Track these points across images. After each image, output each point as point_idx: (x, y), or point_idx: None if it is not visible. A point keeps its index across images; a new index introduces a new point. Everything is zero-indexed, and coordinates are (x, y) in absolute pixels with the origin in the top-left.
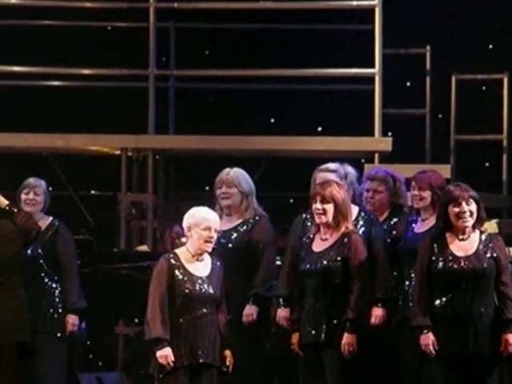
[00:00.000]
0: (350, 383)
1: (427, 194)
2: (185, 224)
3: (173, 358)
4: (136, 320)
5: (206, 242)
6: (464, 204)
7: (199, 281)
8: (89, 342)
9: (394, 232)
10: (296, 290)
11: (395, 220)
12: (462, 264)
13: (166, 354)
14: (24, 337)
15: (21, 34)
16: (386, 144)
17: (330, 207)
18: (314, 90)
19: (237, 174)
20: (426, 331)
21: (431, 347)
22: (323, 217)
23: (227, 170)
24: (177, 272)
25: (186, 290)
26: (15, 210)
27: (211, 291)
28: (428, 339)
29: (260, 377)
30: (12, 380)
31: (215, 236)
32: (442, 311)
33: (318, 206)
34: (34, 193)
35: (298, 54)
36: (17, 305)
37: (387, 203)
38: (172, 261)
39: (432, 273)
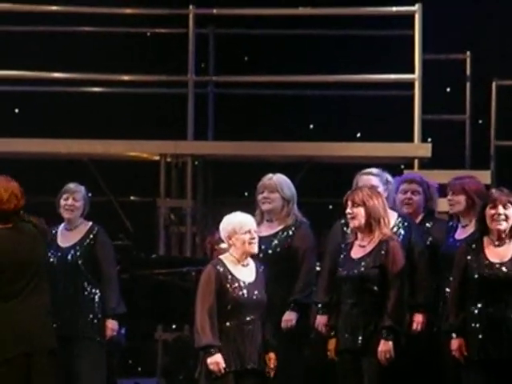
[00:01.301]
0: None
1: (461, 198)
2: (223, 234)
3: (224, 365)
4: (175, 325)
5: (250, 244)
6: (500, 207)
7: (246, 286)
8: (128, 348)
9: (430, 238)
10: (334, 296)
11: (429, 225)
12: (497, 270)
13: (217, 361)
14: (52, 344)
15: (61, 40)
16: (425, 150)
17: (360, 211)
18: (353, 95)
19: (279, 179)
20: (455, 336)
21: (460, 352)
22: (355, 221)
23: (270, 175)
24: (224, 279)
25: (235, 296)
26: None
27: (258, 296)
28: (456, 344)
29: (299, 383)
30: None
31: (256, 235)
32: (476, 317)
33: (348, 210)
34: (73, 198)
35: (337, 59)
36: (44, 311)
37: (423, 206)
38: (219, 267)
39: (467, 279)
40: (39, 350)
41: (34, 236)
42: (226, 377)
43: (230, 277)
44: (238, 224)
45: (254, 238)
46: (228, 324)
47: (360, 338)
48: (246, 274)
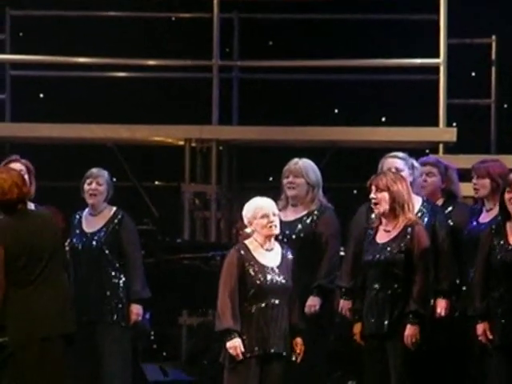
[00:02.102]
0: (413, 374)
1: (486, 182)
2: (245, 220)
3: (242, 349)
4: (200, 310)
5: (269, 227)
6: None
7: (270, 271)
8: (153, 333)
9: (451, 222)
10: (358, 281)
11: (450, 209)
12: None
13: (235, 345)
14: (69, 329)
15: (86, 25)
16: (450, 134)
17: (384, 196)
18: (378, 80)
19: (305, 164)
20: (480, 321)
21: (485, 337)
22: (379, 206)
23: (295, 159)
24: (247, 263)
25: (258, 281)
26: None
27: (283, 281)
28: (481, 329)
29: (324, 367)
30: (60, 373)
31: (275, 219)
32: (498, 302)
33: (372, 195)
34: (97, 183)
35: (362, 43)
36: (61, 296)
37: (439, 188)
38: (242, 252)
39: (490, 263)
40: (54, 336)
41: (44, 222)
42: (249, 361)
43: (252, 261)
44: (256, 209)
45: (272, 222)
46: (251, 308)
47: (386, 322)
48: (270, 258)
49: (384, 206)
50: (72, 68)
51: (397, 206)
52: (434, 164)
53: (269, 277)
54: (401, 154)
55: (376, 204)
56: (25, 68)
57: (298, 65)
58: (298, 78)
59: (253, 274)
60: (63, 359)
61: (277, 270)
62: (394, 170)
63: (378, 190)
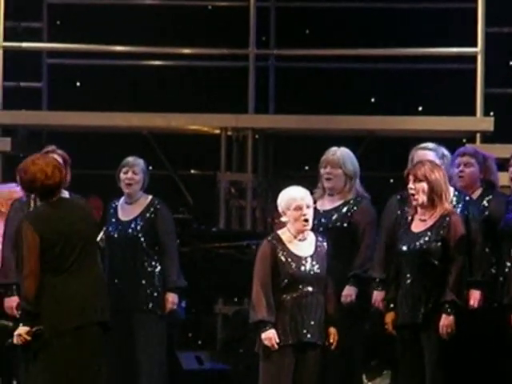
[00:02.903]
0: (448, 364)
1: None
2: (280, 209)
3: (277, 340)
4: (235, 299)
5: (303, 221)
6: None
7: (303, 261)
8: (188, 321)
9: (488, 212)
10: (391, 270)
11: (488, 198)
12: None
13: (270, 336)
14: (104, 317)
15: (122, 13)
16: (487, 124)
17: (423, 186)
18: (415, 69)
19: (343, 154)
20: None
21: None
22: (417, 196)
23: (334, 149)
24: (280, 253)
25: (290, 271)
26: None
27: (316, 270)
28: None
29: (359, 356)
30: (96, 361)
31: (309, 211)
32: None
33: (411, 185)
34: (133, 172)
35: (399, 32)
36: (96, 284)
37: (478, 179)
38: (274, 242)
39: None
40: (89, 324)
41: (79, 210)
42: (284, 351)
43: (285, 251)
44: (289, 200)
45: (305, 215)
46: (285, 298)
47: (421, 312)
48: (303, 247)
49: (422, 196)
50: (108, 56)
51: (435, 196)
52: (472, 154)
53: (302, 266)
54: (431, 145)
55: (414, 194)
56: (61, 56)
57: (334, 53)
58: (334, 66)
59: (286, 264)
60: (99, 347)
61: (310, 260)
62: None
63: (417, 180)
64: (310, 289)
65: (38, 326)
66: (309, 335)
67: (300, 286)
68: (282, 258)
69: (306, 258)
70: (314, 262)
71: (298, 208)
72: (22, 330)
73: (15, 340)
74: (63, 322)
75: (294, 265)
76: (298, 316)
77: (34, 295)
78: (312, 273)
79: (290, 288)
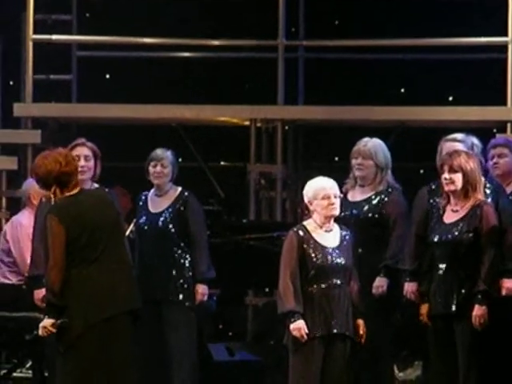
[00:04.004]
0: (481, 354)
1: None
2: (306, 199)
3: (306, 331)
4: (265, 290)
5: (330, 209)
6: None
7: (329, 251)
8: (218, 313)
9: None
10: (424, 262)
11: None
12: None
13: (299, 327)
14: (135, 305)
15: (151, 5)
16: None
17: (458, 177)
18: (445, 59)
19: (375, 145)
20: None
21: None
22: (452, 186)
23: (365, 139)
24: (306, 244)
25: (318, 262)
26: None
27: (342, 261)
28: None
29: (389, 348)
30: (128, 351)
31: (336, 201)
32: None
33: (446, 175)
34: (162, 165)
35: (428, 23)
36: (125, 272)
37: None
38: (301, 233)
39: None
40: (120, 313)
41: (101, 200)
42: (313, 342)
43: (311, 242)
44: (316, 189)
45: (333, 203)
46: (312, 289)
47: (453, 303)
48: (329, 239)
49: (457, 187)
50: (138, 48)
51: (469, 187)
52: (505, 144)
53: (329, 257)
54: (459, 136)
55: (449, 184)
56: (91, 49)
57: (363, 44)
58: (363, 57)
59: (313, 255)
60: (130, 336)
61: (336, 251)
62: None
63: (452, 170)
64: (337, 280)
65: (64, 319)
66: (337, 327)
67: (327, 278)
68: (309, 249)
69: (331, 249)
70: (339, 254)
71: (327, 197)
72: (47, 322)
73: (40, 332)
74: (94, 313)
75: (320, 256)
76: (327, 308)
77: (59, 287)
78: (338, 264)
79: (317, 279)
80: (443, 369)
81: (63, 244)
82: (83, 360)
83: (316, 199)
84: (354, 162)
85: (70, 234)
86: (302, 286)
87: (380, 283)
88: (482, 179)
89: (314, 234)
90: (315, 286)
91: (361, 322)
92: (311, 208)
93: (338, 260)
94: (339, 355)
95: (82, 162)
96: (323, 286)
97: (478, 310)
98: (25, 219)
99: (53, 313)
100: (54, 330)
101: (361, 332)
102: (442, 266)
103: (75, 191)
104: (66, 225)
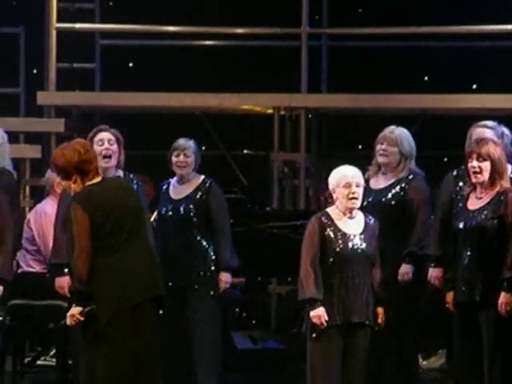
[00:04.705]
0: (506, 342)
1: None
2: (330, 187)
3: (326, 318)
4: (289, 278)
5: (351, 199)
6: None
7: (351, 239)
8: (242, 301)
9: None
10: (450, 249)
11: None
12: None
13: (319, 314)
14: (160, 291)
15: None
16: None
17: (486, 165)
18: (468, 46)
19: (401, 133)
20: None
21: None
22: (479, 175)
23: (392, 127)
24: (328, 231)
25: (338, 249)
26: None
27: (364, 249)
28: None
29: (413, 336)
30: (153, 338)
31: (359, 190)
32: None
33: (474, 163)
34: (184, 155)
35: (452, 10)
36: (149, 259)
37: None
38: (323, 219)
39: None
40: (145, 300)
41: (123, 188)
42: (332, 330)
43: (333, 229)
44: (340, 177)
45: (354, 193)
46: (333, 276)
47: (478, 290)
48: (351, 226)
49: (485, 175)
50: (161, 37)
51: (496, 175)
52: None
53: (350, 244)
54: (490, 123)
55: (476, 172)
56: (114, 37)
57: (387, 32)
58: (387, 45)
59: (333, 241)
60: (155, 324)
61: (358, 238)
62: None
63: (480, 158)
64: (358, 268)
65: (91, 306)
66: (357, 315)
67: (347, 265)
68: (331, 235)
69: (353, 235)
70: (361, 241)
71: (348, 185)
72: (75, 310)
73: (68, 321)
74: (121, 301)
75: (341, 242)
76: (346, 296)
77: (86, 275)
78: (359, 251)
79: (337, 267)
80: (468, 357)
81: (88, 232)
82: (110, 348)
83: (339, 187)
84: (378, 147)
85: (94, 222)
86: (322, 274)
87: (405, 270)
88: (509, 166)
89: (336, 221)
90: (334, 274)
91: (380, 310)
92: (334, 196)
93: (360, 247)
94: (359, 344)
95: (105, 145)
96: (342, 273)
97: (503, 298)
98: (49, 207)
99: (80, 301)
100: (81, 318)
101: (379, 320)
102: (467, 253)
103: (97, 180)
104: (90, 213)
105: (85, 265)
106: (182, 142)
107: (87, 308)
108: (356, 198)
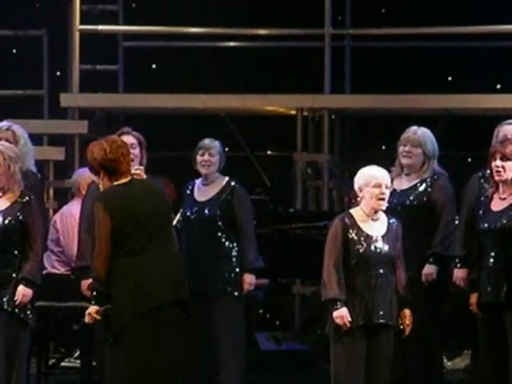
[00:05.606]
0: None
1: None
2: (356, 185)
3: (350, 319)
4: (313, 280)
5: (379, 199)
6: None
7: (374, 240)
8: (266, 302)
9: None
10: (474, 250)
11: None
12: None
13: (342, 315)
14: (183, 295)
15: None
16: None
17: (510, 165)
18: (492, 46)
19: (424, 134)
20: None
21: None
22: (503, 174)
23: (414, 128)
24: (351, 232)
25: (361, 250)
26: None
27: (387, 250)
28: None
29: (437, 337)
30: (176, 341)
31: (387, 192)
32: None
33: (497, 163)
34: (209, 154)
35: (475, 10)
36: (172, 262)
37: None
38: (346, 220)
39: None
40: (167, 303)
41: (147, 189)
42: (355, 332)
43: (357, 230)
44: (369, 177)
45: (383, 194)
46: (355, 278)
47: (503, 291)
48: (374, 227)
49: (508, 174)
50: (184, 38)
51: None
52: None
53: (373, 246)
54: None
55: (499, 172)
56: (137, 39)
57: (410, 32)
58: (410, 45)
59: (356, 242)
60: (178, 326)
61: (381, 240)
62: (510, 137)
63: (504, 158)
64: (381, 269)
65: (107, 305)
66: (380, 316)
67: (370, 267)
68: (354, 237)
69: (377, 237)
70: (384, 242)
71: (378, 186)
72: (92, 309)
73: (86, 319)
74: (142, 303)
75: (364, 244)
76: (368, 297)
77: (104, 275)
78: (382, 253)
79: (360, 268)
80: (493, 358)
81: (109, 232)
82: (131, 349)
83: (367, 186)
84: (401, 149)
85: (115, 223)
86: (344, 275)
87: (429, 271)
88: None
89: (359, 222)
90: (358, 275)
91: (407, 312)
92: (360, 195)
93: (383, 249)
94: (383, 346)
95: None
96: (365, 274)
97: None
98: (75, 209)
99: (98, 300)
100: (98, 317)
101: (407, 322)
102: (491, 254)
103: (124, 180)
104: (111, 213)
105: (103, 264)
106: (207, 141)
107: (103, 307)
108: (384, 200)
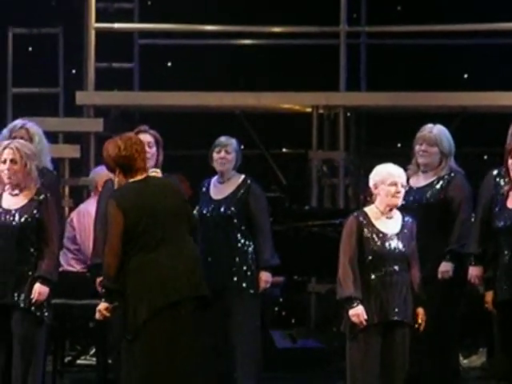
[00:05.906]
0: None
1: None
2: (371, 182)
3: (365, 317)
4: (328, 277)
5: (394, 197)
6: None
7: (389, 238)
8: (282, 300)
9: None
10: (490, 248)
11: None
12: None
13: (358, 313)
14: (201, 291)
15: None
16: None
17: None
18: (508, 43)
19: (440, 132)
20: None
21: None
22: None
23: (429, 126)
24: (366, 230)
25: (376, 248)
26: None
27: (402, 248)
28: None
29: (454, 333)
30: (193, 336)
31: (402, 190)
32: None
33: None
34: (226, 151)
35: (490, 7)
36: (189, 259)
37: None
38: (361, 219)
39: None
40: (184, 300)
41: (169, 187)
42: (370, 330)
43: (371, 228)
44: (385, 174)
45: (399, 192)
46: (370, 275)
47: None
48: (389, 225)
49: None
50: (199, 36)
51: None
52: None
53: (387, 244)
54: None
55: None
56: (153, 37)
57: (426, 30)
58: (426, 42)
59: (371, 240)
60: (197, 322)
61: (396, 237)
62: None
63: None
64: (395, 267)
65: (116, 303)
66: (395, 314)
67: (384, 264)
68: (367, 235)
69: (391, 235)
70: (399, 240)
71: (394, 184)
72: (102, 306)
73: (97, 315)
74: (158, 299)
75: (378, 242)
76: (383, 295)
77: (114, 272)
78: (396, 251)
79: (375, 266)
80: (509, 355)
81: (120, 229)
82: (150, 346)
83: (383, 183)
84: (417, 148)
85: (128, 220)
86: (359, 273)
87: (445, 268)
88: None
89: (374, 220)
90: (372, 273)
91: (421, 310)
92: (375, 192)
93: (397, 247)
94: (398, 343)
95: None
96: (380, 272)
97: None
98: (91, 207)
99: (108, 297)
100: (107, 314)
101: (419, 320)
102: (508, 252)
103: (140, 177)
104: (124, 210)
105: (113, 261)
106: (223, 139)
107: (113, 304)
108: (399, 198)
